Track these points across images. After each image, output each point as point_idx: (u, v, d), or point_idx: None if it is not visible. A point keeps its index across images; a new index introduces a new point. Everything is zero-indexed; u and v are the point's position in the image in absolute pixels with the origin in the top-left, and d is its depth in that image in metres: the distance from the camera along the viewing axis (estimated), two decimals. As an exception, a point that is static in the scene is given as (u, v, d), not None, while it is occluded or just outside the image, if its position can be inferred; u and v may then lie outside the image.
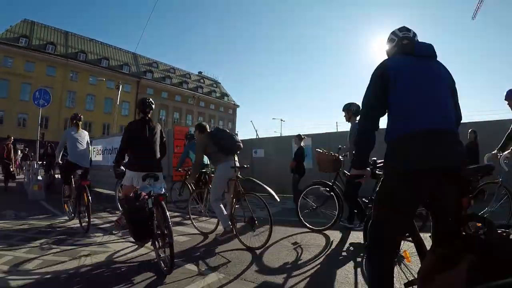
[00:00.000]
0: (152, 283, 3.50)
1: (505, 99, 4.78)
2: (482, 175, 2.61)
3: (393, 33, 2.54)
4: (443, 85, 2.20)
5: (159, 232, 3.92)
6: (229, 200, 5.36)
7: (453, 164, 2.01)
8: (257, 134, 33.85)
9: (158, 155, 5.18)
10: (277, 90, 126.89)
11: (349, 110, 5.71)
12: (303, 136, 9.15)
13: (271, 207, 5.06)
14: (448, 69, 2.32)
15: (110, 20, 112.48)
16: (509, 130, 4.93)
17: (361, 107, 2.37)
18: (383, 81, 2.20)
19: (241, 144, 5.33)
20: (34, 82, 42.59)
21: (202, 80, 73.99)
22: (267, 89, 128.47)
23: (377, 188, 2.54)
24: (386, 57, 2.55)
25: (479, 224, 1.81)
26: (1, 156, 13.07)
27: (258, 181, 5.15)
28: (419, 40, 2.45)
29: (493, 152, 4.89)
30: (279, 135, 30.86)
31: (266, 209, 4.71)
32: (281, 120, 53.37)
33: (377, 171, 3.96)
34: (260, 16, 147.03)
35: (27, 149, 29.95)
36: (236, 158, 5.33)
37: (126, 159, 5.40)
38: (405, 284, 2.27)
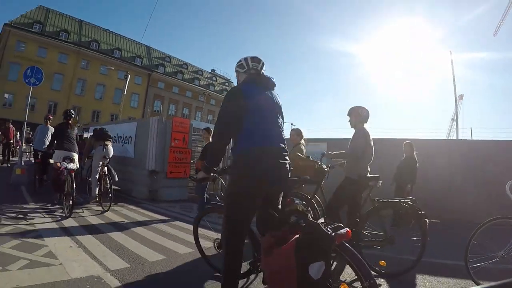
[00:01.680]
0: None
1: None
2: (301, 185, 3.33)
3: (245, 59, 3.09)
4: (279, 112, 2.95)
5: (66, 191, 6.64)
6: None
7: (283, 172, 2.76)
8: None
9: (75, 144, 7.66)
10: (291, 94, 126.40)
11: (357, 113, 5.11)
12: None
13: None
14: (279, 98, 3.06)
15: (125, 13, 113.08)
16: None
17: (216, 127, 2.82)
18: (239, 107, 2.72)
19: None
20: (45, 68, 40.94)
21: (214, 78, 73.38)
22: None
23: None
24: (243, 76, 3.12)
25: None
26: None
27: None
28: (265, 74, 3.08)
29: None
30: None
31: None
32: (292, 124, 52.23)
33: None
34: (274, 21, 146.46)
35: (31, 133, 29.74)
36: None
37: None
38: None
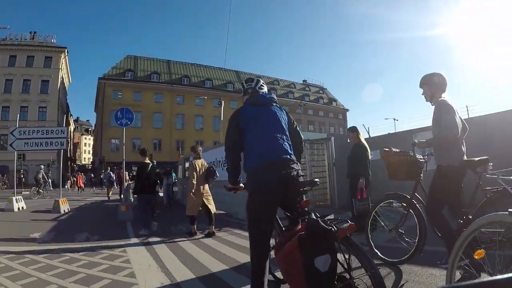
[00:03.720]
0: None
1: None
2: (309, 189, 3.09)
3: (241, 84, 3.53)
4: (280, 126, 3.12)
5: None
6: None
7: (289, 180, 2.87)
8: (369, 135, 29.56)
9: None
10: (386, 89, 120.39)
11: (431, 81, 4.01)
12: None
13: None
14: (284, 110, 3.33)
15: (207, 45, 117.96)
16: None
17: (224, 146, 3.21)
18: (238, 129, 3.08)
19: None
20: (143, 110, 47.03)
21: (307, 88, 71.40)
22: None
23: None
24: None
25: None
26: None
27: None
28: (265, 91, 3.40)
29: None
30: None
31: None
32: (394, 119, 47.14)
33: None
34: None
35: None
36: None
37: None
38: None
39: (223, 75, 59.84)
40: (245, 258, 4.79)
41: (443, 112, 3.62)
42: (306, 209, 2.98)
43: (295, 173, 2.93)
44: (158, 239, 6.89)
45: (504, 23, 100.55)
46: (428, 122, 4.13)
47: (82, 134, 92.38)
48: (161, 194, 16.61)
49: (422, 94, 3.98)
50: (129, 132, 42.57)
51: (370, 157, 6.32)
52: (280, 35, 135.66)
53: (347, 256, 2.36)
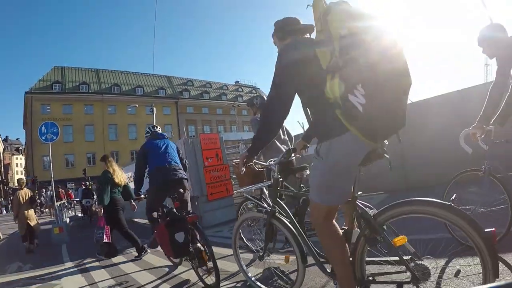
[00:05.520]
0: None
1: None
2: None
3: (146, 132, 5.42)
4: (171, 149, 5.00)
5: None
6: None
7: (173, 179, 4.64)
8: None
9: None
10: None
11: (253, 104, 5.23)
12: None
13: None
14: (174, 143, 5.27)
15: (136, 52, 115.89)
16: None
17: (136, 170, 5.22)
18: (144, 156, 4.93)
19: None
20: (74, 123, 45.97)
21: (240, 89, 72.62)
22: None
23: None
24: None
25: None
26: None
27: None
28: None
29: (474, 126, 3.03)
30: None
31: None
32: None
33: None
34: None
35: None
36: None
37: None
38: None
39: (154, 81, 59.45)
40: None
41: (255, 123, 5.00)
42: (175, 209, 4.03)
43: (179, 175, 4.71)
44: (93, 259, 6.37)
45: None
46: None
47: (13, 154, 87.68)
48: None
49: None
50: (60, 147, 42.14)
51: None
52: (210, 38, 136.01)
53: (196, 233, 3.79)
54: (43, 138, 11.05)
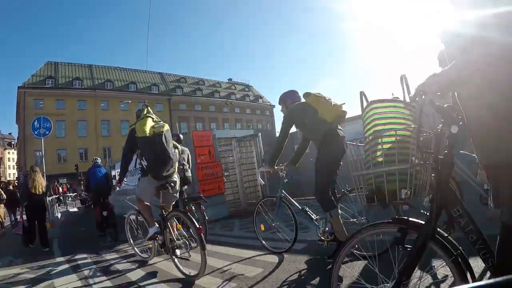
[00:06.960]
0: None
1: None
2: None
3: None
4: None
5: None
6: None
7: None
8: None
9: None
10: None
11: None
12: None
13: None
14: None
15: (135, 47, 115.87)
16: None
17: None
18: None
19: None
20: (67, 119, 45.82)
21: (233, 87, 72.59)
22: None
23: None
24: None
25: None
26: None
27: None
28: None
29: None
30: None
31: None
32: None
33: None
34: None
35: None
36: None
37: None
38: None
39: (147, 78, 59.34)
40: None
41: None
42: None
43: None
44: (85, 255, 6.39)
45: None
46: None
47: (5, 149, 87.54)
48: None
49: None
50: (53, 142, 42.20)
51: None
52: (203, 35, 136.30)
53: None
54: (36, 133, 11.12)
